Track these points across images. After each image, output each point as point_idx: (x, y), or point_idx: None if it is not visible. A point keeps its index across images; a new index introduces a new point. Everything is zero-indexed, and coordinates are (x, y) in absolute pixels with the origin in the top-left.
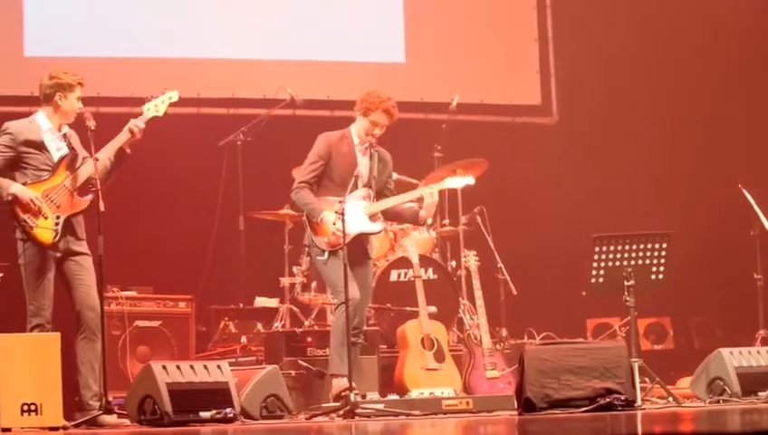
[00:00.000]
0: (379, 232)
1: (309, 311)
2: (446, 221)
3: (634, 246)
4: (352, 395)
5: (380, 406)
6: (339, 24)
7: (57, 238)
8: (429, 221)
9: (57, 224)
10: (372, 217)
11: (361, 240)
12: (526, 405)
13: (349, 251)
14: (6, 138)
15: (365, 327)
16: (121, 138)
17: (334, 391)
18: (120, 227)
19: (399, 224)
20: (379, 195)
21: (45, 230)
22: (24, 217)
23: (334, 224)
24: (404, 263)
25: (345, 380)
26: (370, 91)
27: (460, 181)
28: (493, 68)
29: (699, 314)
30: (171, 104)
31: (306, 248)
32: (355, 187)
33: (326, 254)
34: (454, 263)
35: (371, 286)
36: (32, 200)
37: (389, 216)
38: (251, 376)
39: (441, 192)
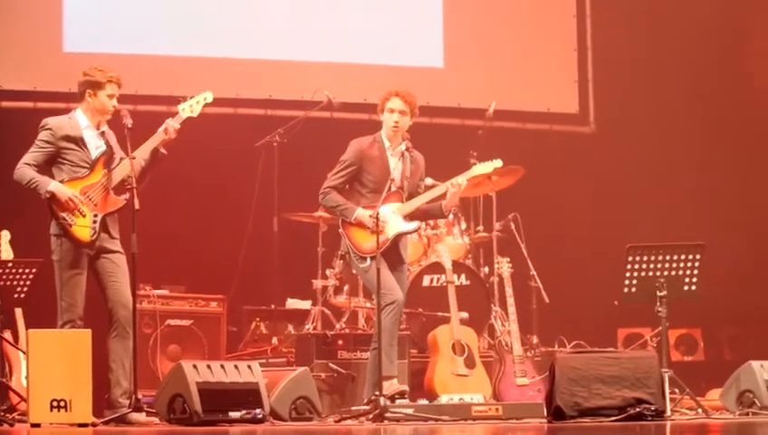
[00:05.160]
0: (417, 230)
1: (341, 314)
2: (480, 227)
3: (667, 257)
4: (381, 399)
5: (410, 411)
6: (378, 28)
7: (95, 237)
8: (463, 226)
9: (95, 222)
10: (407, 217)
11: (397, 244)
12: (556, 413)
13: (386, 256)
14: (46, 133)
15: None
16: (156, 138)
17: (389, 393)
18: (153, 225)
19: (434, 223)
20: (410, 197)
21: (83, 228)
22: (63, 214)
23: (370, 217)
24: (437, 268)
25: (396, 380)
26: None
27: (488, 166)
28: (531, 76)
29: (730, 325)
30: (208, 104)
31: (340, 253)
32: (389, 191)
33: (368, 260)
34: (487, 269)
35: (405, 290)
36: (69, 199)
37: (418, 217)
38: (281, 377)
39: (476, 197)
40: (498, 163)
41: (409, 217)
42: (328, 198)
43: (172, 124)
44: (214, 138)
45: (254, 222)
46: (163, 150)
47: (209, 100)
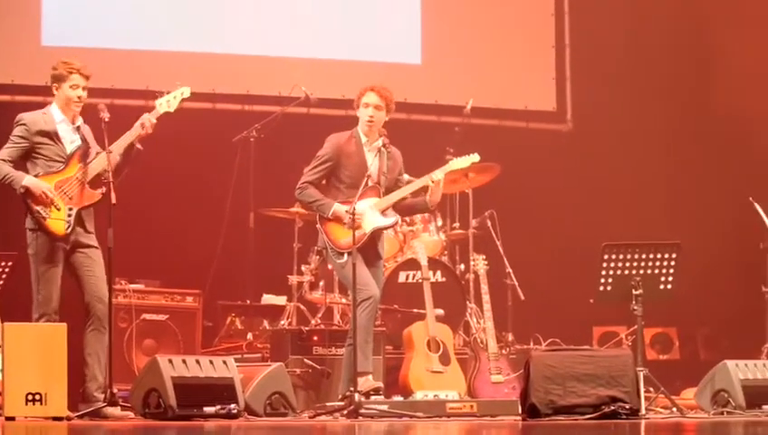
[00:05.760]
0: (394, 224)
1: (316, 310)
2: (457, 224)
3: (643, 256)
4: (356, 395)
5: (384, 407)
6: (356, 24)
7: (69, 230)
8: (439, 222)
9: (70, 216)
10: (384, 212)
11: (374, 240)
12: (531, 411)
13: (363, 251)
14: (21, 128)
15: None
16: (132, 133)
17: (364, 389)
18: (130, 220)
19: (410, 220)
20: (389, 193)
21: (58, 221)
22: (38, 208)
23: (347, 213)
24: (413, 264)
25: (371, 377)
26: None
27: (465, 160)
28: (508, 73)
29: (706, 325)
30: (185, 99)
31: (316, 248)
32: (366, 187)
33: (345, 255)
34: (462, 266)
35: (381, 287)
36: (44, 193)
37: (402, 211)
38: (256, 373)
39: (453, 194)
40: (475, 157)
41: (392, 211)
42: (305, 193)
43: (149, 119)
44: (191, 133)
45: (230, 217)
46: (139, 146)
47: (187, 95)
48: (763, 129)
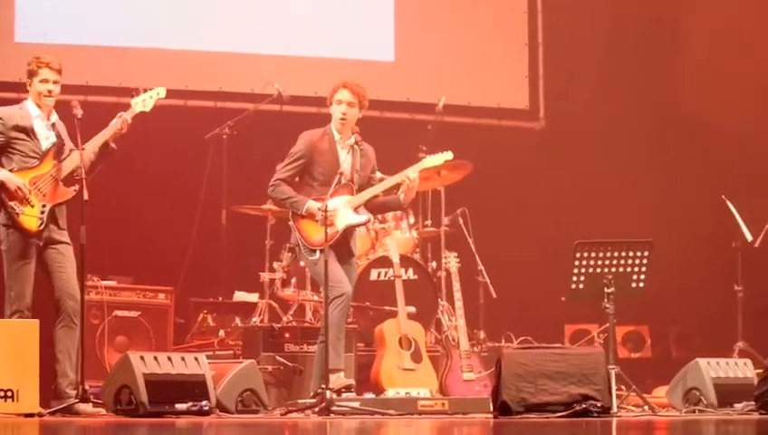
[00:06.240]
0: (367, 222)
1: (288, 307)
2: (429, 222)
3: (615, 254)
4: (328, 392)
5: (356, 404)
6: (329, 21)
7: (42, 226)
8: (411, 220)
9: (43, 212)
10: (356, 210)
11: (347, 237)
12: (502, 408)
13: (335, 249)
14: None
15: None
16: (107, 132)
17: (335, 386)
18: (102, 216)
19: (382, 217)
20: (362, 190)
21: (31, 218)
22: (11, 203)
23: (319, 210)
24: (384, 262)
25: (343, 374)
26: None
27: (439, 158)
28: (481, 71)
29: (678, 323)
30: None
31: (289, 245)
32: (338, 184)
33: (317, 253)
34: (434, 264)
35: (354, 284)
36: (19, 188)
37: (375, 209)
38: (228, 370)
39: (425, 192)
40: (449, 155)
41: (365, 209)
42: (278, 190)
43: (124, 118)
44: (163, 129)
45: (202, 214)
46: (113, 145)
47: (162, 95)
48: (736, 128)
